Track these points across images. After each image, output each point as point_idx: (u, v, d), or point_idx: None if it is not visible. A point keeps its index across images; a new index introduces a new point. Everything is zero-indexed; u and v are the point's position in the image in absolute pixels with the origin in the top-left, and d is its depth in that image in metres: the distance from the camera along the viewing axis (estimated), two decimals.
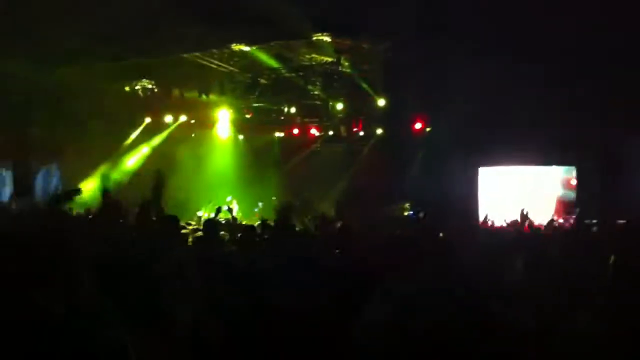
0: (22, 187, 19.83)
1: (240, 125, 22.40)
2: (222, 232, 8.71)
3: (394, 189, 18.75)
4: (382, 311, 3.16)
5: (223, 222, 10.82)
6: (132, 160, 22.46)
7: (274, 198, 19.96)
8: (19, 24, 12.66)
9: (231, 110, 21.48)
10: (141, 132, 22.21)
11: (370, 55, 16.75)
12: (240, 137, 23.02)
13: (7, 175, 20.13)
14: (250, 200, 21.21)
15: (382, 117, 19.41)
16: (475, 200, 18.61)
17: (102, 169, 21.30)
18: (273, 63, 17.23)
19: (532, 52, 13.23)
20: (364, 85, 18.19)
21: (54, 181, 20.60)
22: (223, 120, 21.94)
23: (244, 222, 12.08)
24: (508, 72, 13.54)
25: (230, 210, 9.75)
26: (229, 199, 20.62)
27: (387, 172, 19.30)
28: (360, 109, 20.00)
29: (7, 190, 19.58)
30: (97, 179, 21.06)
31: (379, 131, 20.36)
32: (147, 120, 21.85)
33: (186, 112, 21.60)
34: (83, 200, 18.17)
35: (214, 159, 23.05)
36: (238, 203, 20.98)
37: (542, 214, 14.67)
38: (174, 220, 6.13)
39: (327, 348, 3.47)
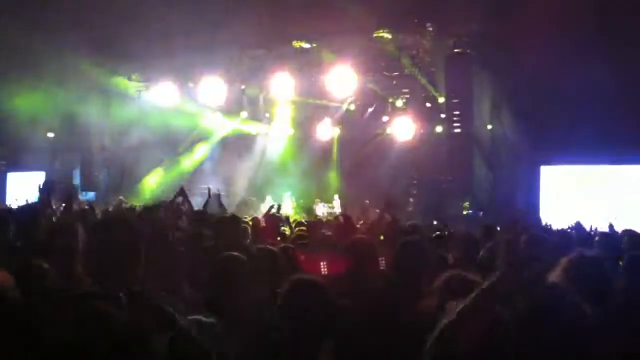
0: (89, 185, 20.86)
1: (300, 122, 22.59)
2: (282, 227, 8.98)
3: (454, 187, 18.52)
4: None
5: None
6: (199, 154, 23.02)
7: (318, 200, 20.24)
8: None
9: (292, 107, 21.69)
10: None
11: (432, 51, 16.62)
12: (300, 133, 23.12)
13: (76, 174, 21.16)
14: (311, 196, 21.33)
15: (443, 114, 19.22)
16: (537, 200, 18.16)
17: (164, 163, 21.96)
18: (332, 59, 17.25)
19: (599, 45, 12.84)
20: (425, 82, 18.07)
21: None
22: (283, 117, 22.20)
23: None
24: (573, 68, 13.20)
25: (278, 207, 9.97)
26: (287, 195, 20.93)
27: (447, 170, 19.09)
28: (420, 106, 19.87)
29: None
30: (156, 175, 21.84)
31: (439, 129, 20.17)
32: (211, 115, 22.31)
33: (248, 108, 21.95)
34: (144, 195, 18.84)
35: (274, 156, 23.30)
36: (298, 199, 21.24)
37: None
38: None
39: None
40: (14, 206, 11.28)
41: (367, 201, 17.16)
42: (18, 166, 21.53)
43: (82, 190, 20.24)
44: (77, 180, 21.08)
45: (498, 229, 7.24)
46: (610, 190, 17.32)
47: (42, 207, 5.28)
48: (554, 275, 3.18)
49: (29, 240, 4.50)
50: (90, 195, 19.86)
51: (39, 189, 5.40)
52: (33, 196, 8.88)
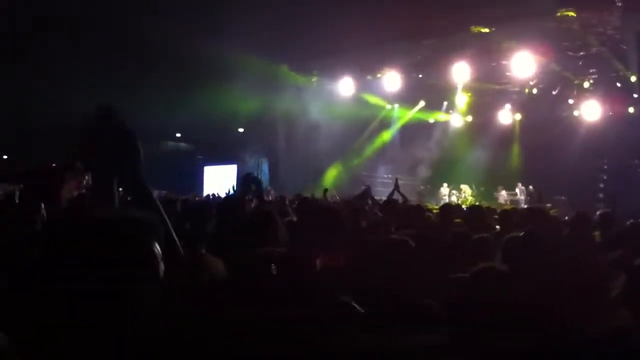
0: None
1: (479, 109, 22.17)
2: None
3: None
4: None
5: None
6: (378, 144, 23.63)
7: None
8: None
9: (470, 94, 21.36)
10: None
11: (621, 28, 15.55)
12: (479, 120, 22.72)
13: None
14: (491, 184, 20.95)
15: (636, 94, 17.92)
16: None
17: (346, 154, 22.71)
18: (513, 42, 16.72)
19: None
20: (614, 61, 16.95)
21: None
22: (461, 104, 21.94)
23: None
24: None
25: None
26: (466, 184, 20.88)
27: None
28: (609, 87, 18.66)
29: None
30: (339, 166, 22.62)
31: (632, 110, 18.81)
32: (389, 106, 22.77)
33: (425, 97, 22.04)
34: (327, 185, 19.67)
35: (453, 143, 23.15)
36: (478, 187, 21.00)
37: None
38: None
39: None
40: (213, 197, 12.36)
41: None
42: (213, 160, 23.36)
43: (269, 182, 21.56)
44: (265, 173, 22.48)
45: None
46: None
47: (242, 198, 5.77)
48: None
49: (231, 230, 4.96)
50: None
51: (241, 182, 5.88)
52: (227, 188, 9.66)
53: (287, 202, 9.35)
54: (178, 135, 21.88)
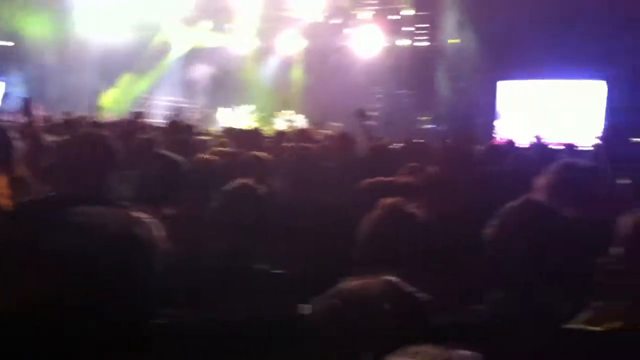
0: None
1: (265, 34, 22.11)
2: None
3: (415, 102, 18.60)
4: None
5: None
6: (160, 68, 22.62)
7: None
8: None
9: (257, 18, 21.16)
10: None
11: None
12: (265, 46, 22.71)
13: None
14: (272, 110, 21.20)
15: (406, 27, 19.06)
16: (493, 115, 18.30)
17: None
18: None
19: None
20: None
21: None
22: (248, 29, 21.71)
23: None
24: None
25: None
26: (248, 107, 20.83)
27: (410, 85, 19.08)
28: (385, 19, 19.61)
29: None
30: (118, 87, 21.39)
31: (402, 42, 19.97)
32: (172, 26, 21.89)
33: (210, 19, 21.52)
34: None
35: (237, 68, 22.93)
36: (260, 112, 21.14)
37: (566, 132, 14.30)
38: None
39: None
40: None
41: None
42: None
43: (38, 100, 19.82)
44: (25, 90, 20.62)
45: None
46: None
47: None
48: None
49: None
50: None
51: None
52: None
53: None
54: None
